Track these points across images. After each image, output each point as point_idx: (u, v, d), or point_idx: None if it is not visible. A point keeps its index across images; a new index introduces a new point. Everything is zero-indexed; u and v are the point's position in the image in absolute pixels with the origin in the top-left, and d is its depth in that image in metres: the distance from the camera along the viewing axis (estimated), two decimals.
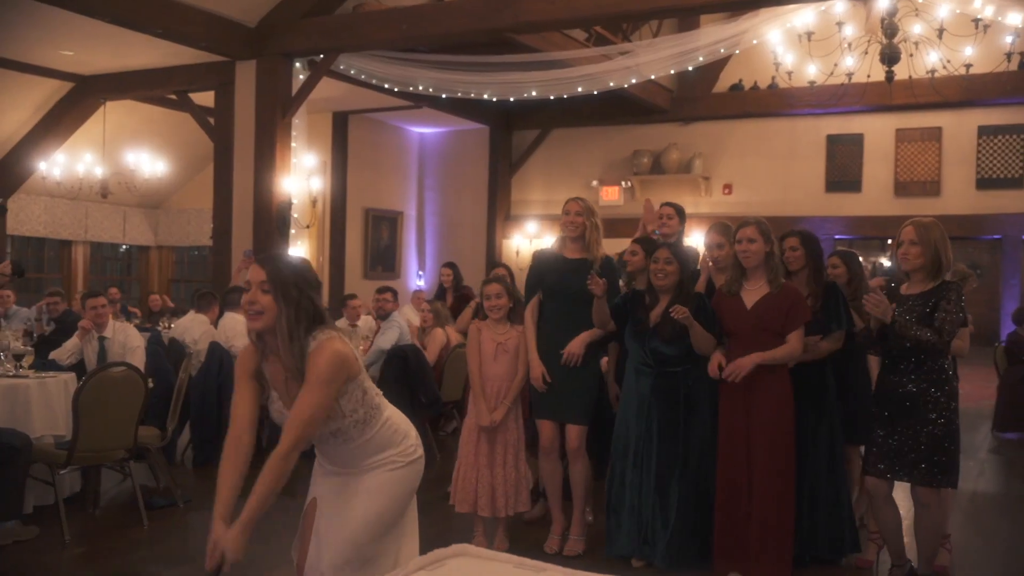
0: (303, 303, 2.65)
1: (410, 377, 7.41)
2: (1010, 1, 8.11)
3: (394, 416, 2.94)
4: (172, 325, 9.16)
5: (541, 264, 5.34)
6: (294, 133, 9.16)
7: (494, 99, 10.29)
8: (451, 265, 9.81)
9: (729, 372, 4.49)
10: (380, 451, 2.87)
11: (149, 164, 11.78)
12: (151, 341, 7.06)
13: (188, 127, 11.08)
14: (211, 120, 9.89)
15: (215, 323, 7.75)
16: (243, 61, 9.18)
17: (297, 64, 9.19)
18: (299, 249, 9.47)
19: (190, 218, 14.14)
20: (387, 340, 7.69)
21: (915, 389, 4.21)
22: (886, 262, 16.49)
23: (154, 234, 14.43)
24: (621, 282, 5.51)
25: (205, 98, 10.13)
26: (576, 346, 5.04)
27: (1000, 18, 8.35)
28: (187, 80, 9.97)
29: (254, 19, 9.00)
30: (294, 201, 9.35)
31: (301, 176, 9.53)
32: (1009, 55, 8.59)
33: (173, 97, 10.70)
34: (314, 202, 10.92)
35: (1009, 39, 8.45)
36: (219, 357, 7.14)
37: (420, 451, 2.99)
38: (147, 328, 9.65)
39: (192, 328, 7.70)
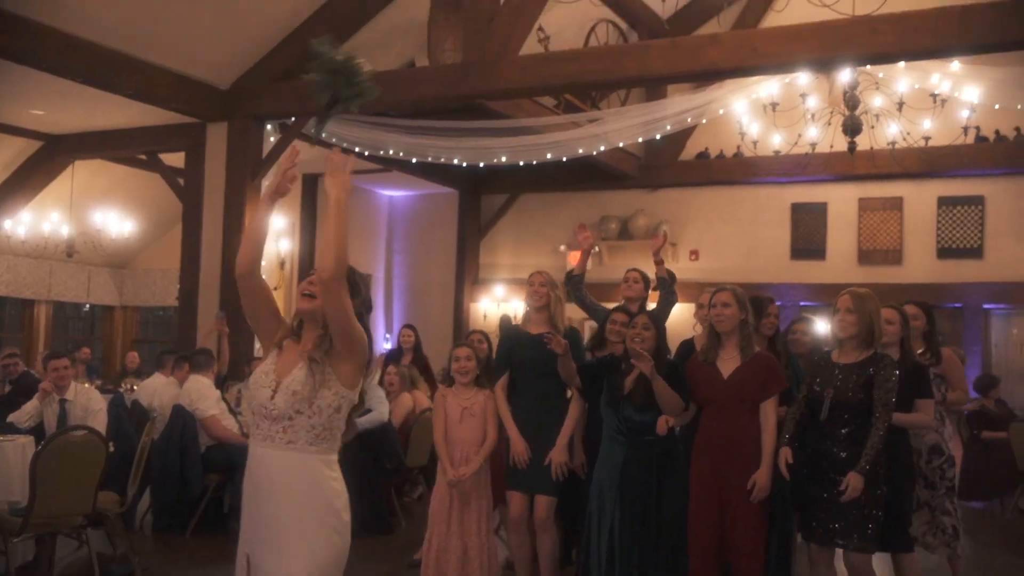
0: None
1: (374, 442, 7.31)
2: (966, 77, 8.35)
3: (340, 478, 2.98)
4: (136, 387, 9.03)
5: (509, 340, 5.39)
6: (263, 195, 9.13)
7: (463, 164, 10.34)
8: (412, 328, 9.77)
9: (756, 496, 4.44)
10: (317, 486, 2.87)
11: (116, 223, 11.72)
12: (113, 404, 6.96)
13: (157, 187, 11.06)
14: (181, 180, 9.87)
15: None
16: (214, 123, 9.22)
17: (268, 126, 9.23)
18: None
19: (156, 278, 14.03)
20: (384, 412, 7.50)
21: (845, 455, 4.29)
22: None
23: (119, 294, 14.28)
24: (588, 354, 5.52)
25: (175, 158, 10.12)
26: (559, 455, 5.07)
27: (956, 94, 8.59)
28: (157, 141, 9.98)
29: (226, 81, 9.05)
30: (262, 263, 9.30)
31: (269, 238, 9.48)
32: (966, 129, 8.84)
33: (143, 157, 10.69)
34: (282, 264, 10.89)
35: (965, 114, 8.70)
36: (182, 420, 7.02)
37: (348, 534, 2.98)
38: (109, 390, 9.50)
39: (160, 391, 7.58)
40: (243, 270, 3.09)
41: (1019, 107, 8.69)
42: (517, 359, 5.27)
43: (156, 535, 7.03)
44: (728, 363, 4.66)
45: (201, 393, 7.12)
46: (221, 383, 8.05)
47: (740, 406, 4.58)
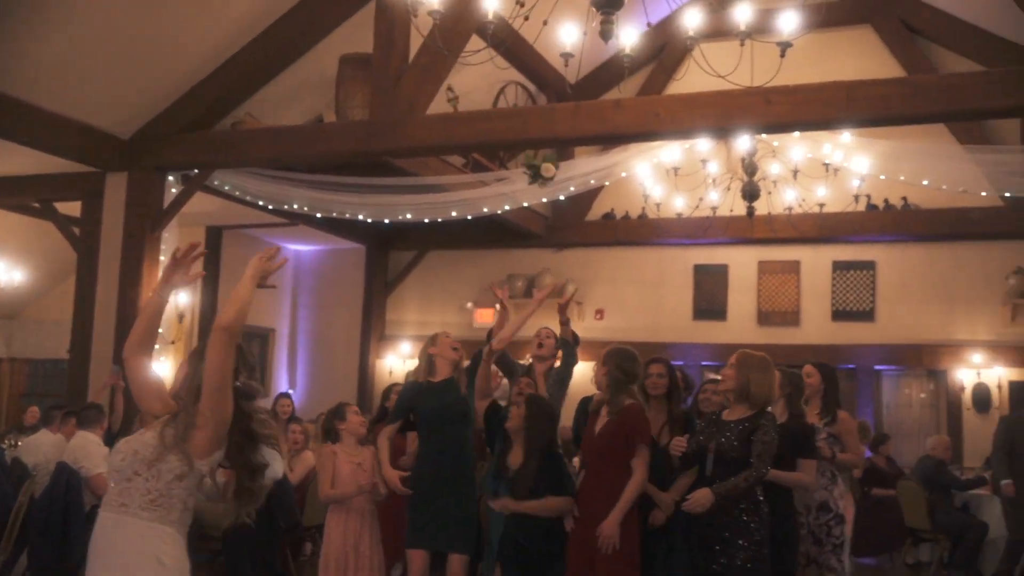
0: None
1: (270, 500, 7.13)
2: (855, 148, 8.71)
3: (178, 556, 2.85)
4: (20, 443, 8.64)
5: (410, 392, 5.42)
6: (163, 247, 8.93)
7: (369, 220, 10.32)
8: (288, 396, 9.64)
9: (601, 544, 4.47)
10: (143, 556, 2.76)
11: (5, 273, 11.31)
12: None
13: (50, 236, 10.72)
14: (76, 230, 9.60)
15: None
16: (114, 172, 9.00)
17: (171, 177, 9.06)
18: (163, 365, 9.14)
19: (48, 330, 13.52)
20: (279, 468, 7.36)
21: (727, 518, 4.40)
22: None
23: (7, 346, 13.73)
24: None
25: (71, 207, 9.85)
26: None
27: (847, 163, 8.95)
28: (53, 189, 9.69)
29: (127, 131, 8.88)
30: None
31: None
32: (857, 197, 9.19)
33: (36, 205, 10.37)
34: (181, 317, 10.64)
35: (856, 183, 9.05)
36: (66, 478, 6.73)
37: None
38: None
39: (45, 447, 7.27)
40: (130, 352, 3.03)
41: (901, 178, 9.09)
42: (422, 409, 5.28)
43: None
44: (602, 419, 4.80)
45: (87, 451, 6.85)
46: (111, 439, 7.77)
47: (607, 463, 4.65)
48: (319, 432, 8.38)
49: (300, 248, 14.23)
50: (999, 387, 11.02)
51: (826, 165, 8.84)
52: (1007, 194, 9.64)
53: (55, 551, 6.62)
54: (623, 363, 5.02)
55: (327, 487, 5.11)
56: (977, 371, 10.96)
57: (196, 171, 8.98)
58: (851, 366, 11.49)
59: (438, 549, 5.14)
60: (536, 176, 7.29)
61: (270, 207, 9.98)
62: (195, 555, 7.21)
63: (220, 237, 12.43)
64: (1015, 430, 7.76)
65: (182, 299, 10.47)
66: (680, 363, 10.27)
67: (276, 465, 7.25)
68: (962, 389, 11.13)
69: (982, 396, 11.02)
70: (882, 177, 9.38)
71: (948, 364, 11.17)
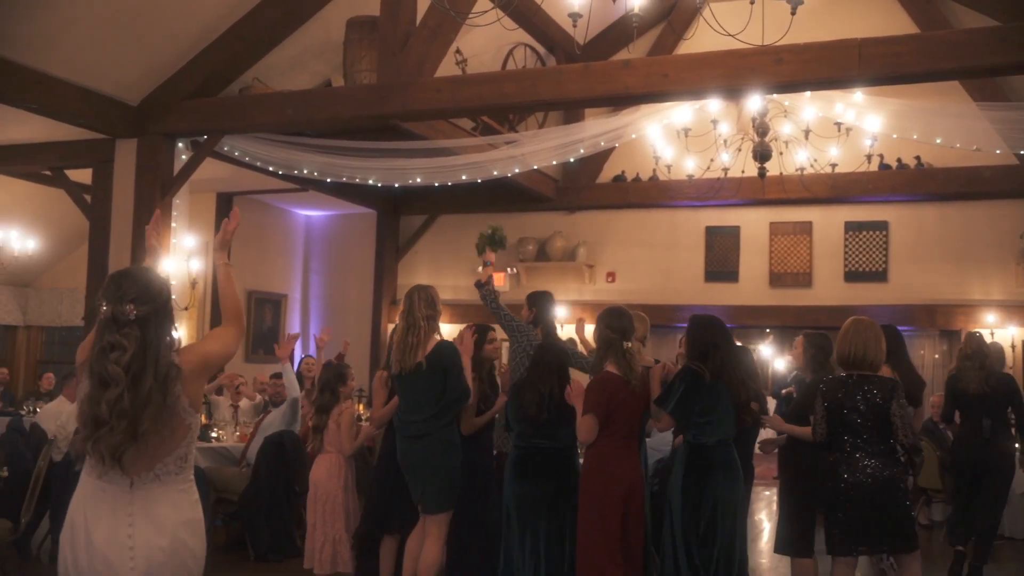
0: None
1: (286, 466, 7.25)
2: (868, 108, 8.64)
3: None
4: (39, 409, 8.76)
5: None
6: (174, 213, 8.98)
7: (379, 184, 10.32)
8: (312, 357, 9.67)
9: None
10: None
11: (19, 241, 11.39)
12: (10, 427, 6.75)
13: (63, 204, 10.77)
14: (87, 198, 9.64)
15: None
16: (124, 139, 9.02)
17: (180, 144, 9.08)
18: (177, 332, 9.21)
19: (62, 297, 13.65)
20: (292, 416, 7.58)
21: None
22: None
23: (23, 313, 13.86)
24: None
25: (82, 175, 9.89)
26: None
27: (859, 123, 8.88)
28: (63, 156, 9.72)
29: (136, 98, 8.88)
30: (172, 282, 9.13)
31: (181, 257, 9.35)
32: (869, 157, 9.13)
33: (48, 173, 10.42)
34: (193, 283, 10.71)
35: (868, 142, 8.99)
36: None
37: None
38: (8, 412, 9.20)
39: (63, 414, 7.37)
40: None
41: (915, 137, 9.01)
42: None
43: (55, 564, 6.80)
44: None
45: None
46: None
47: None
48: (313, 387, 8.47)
49: (311, 214, 14.27)
50: (1012, 347, 11.01)
51: (838, 125, 8.78)
52: (1022, 152, 9.57)
53: None
54: (612, 322, 5.32)
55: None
56: (991, 331, 10.94)
57: (205, 137, 9.00)
58: None
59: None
60: (492, 242, 7.38)
61: (280, 172, 9.98)
62: (212, 518, 7.39)
63: (231, 203, 12.45)
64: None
65: (194, 266, 10.53)
66: None
67: (277, 421, 7.46)
68: None
69: None
70: (894, 136, 9.31)
71: (962, 324, 11.14)
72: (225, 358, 3.34)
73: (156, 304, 3.06)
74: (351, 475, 6.80)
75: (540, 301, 7.01)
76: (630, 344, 5.34)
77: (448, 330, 12.41)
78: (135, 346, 2.95)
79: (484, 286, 6.88)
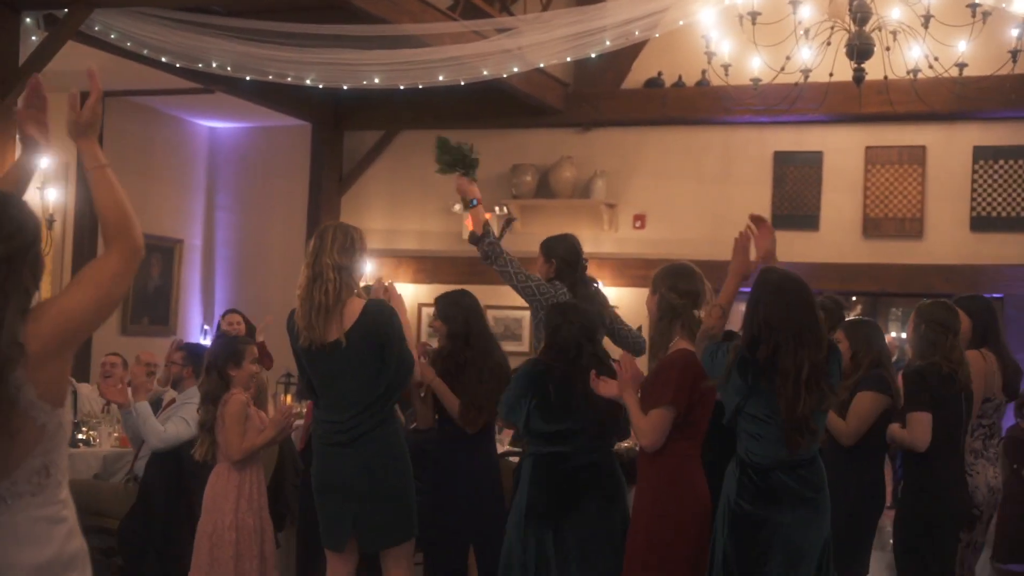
0: None
1: (184, 483, 7.21)
2: None
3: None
4: None
5: None
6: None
7: (319, 86, 10.25)
8: (239, 313, 9.90)
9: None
10: None
11: None
12: None
13: None
14: None
15: None
16: None
17: (28, 20, 8.95)
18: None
19: None
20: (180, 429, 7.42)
21: None
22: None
23: None
24: None
25: None
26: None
27: (1003, 4, 8.73)
28: None
29: None
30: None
31: (31, 183, 9.18)
32: (1014, 54, 8.97)
33: None
34: (51, 221, 10.59)
35: (1015, 32, 8.83)
36: None
37: None
38: None
39: None
40: None
41: None
42: None
43: None
44: None
45: None
46: None
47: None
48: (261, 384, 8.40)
49: (218, 125, 14.19)
50: None
51: (972, 7, 8.62)
52: None
53: None
54: (679, 283, 5.43)
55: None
56: None
57: (66, 10, 8.83)
58: (997, 295, 11.42)
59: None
60: (457, 162, 7.34)
61: (177, 65, 9.92)
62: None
63: (103, 107, 12.23)
64: None
65: (50, 196, 10.37)
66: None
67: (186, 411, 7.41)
68: None
69: None
70: None
71: None
72: (99, 313, 3.04)
73: (11, 246, 2.86)
74: (256, 494, 6.56)
75: (560, 247, 6.92)
76: (701, 313, 5.41)
77: (410, 294, 12.33)
78: None
79: (483, 239, 6.71)
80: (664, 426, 5.17)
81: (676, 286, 5.40)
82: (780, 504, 4.94)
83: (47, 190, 10.44)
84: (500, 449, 7.42)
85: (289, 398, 10.20)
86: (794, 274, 5.42)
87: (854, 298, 15.68)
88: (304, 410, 8.20)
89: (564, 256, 6.87)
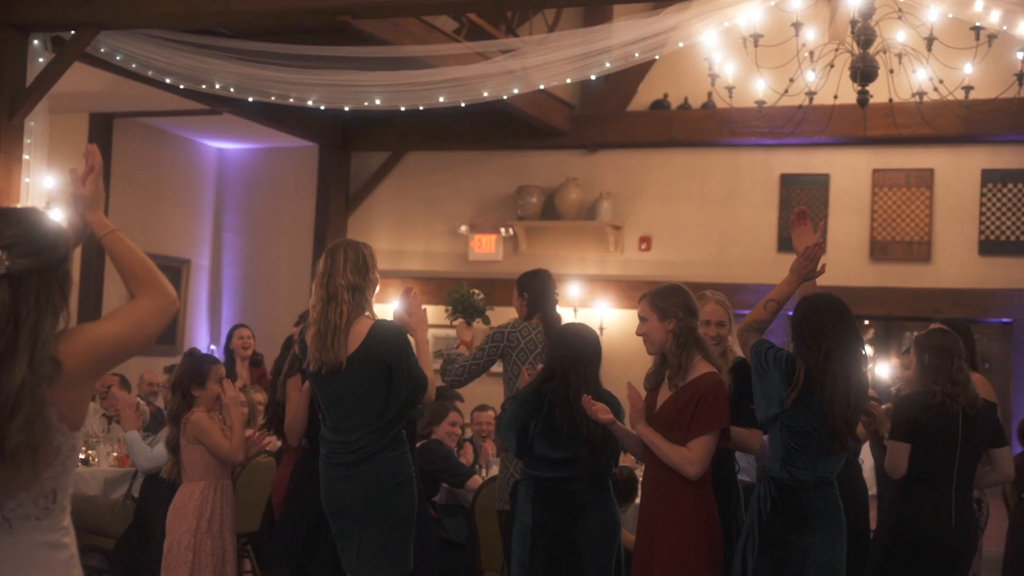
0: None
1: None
2: (1020, 5, 8.46)
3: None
4: None
5: None
6: (28, 141, 8.93)
7: (322, 107, 10.26)
8: (247, 328, 9.99)
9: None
10: None
11: None
12: None
13: None
14: None
15: None
16: None
17: (36, 42, 8.97)
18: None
19: None
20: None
21: None
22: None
23: None
24: None
25: None
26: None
27: (1006, 28, 8.70)
28: None
29: None
30: None
31: (37, 201, 9.24)
32: (1020, 77, 8.94)
33: None
34: None
35: (1020, 55, 8.81)
36: None
37: None
38: None
39: None
40: None
41: None
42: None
43: None
44: (665, 391, 5.11)
45: None
46: None
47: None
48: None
49: (226, 146, 14.22)
50: None
51: (976, 30, 8.60)
52: None
53: None
54: (690, 304, 5.25)
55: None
56: None
57: (73, 32, 8.88)
58: (1006, 320, 11.37)
59: None
60: (466, 308, 7.36)
61: (182, 87, 9.92)
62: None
63: (110, 128, 12.43)
64: None
65: (55, 217, 10.37)
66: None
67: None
68: None
69: None
70: None
71: None
72: (131, 344, 3.00)
73: (43, 259, 2.82)
74: (219, 515, 6.44)
75: (534, 283, 6.93)
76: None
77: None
78: (2, 314, 2.72)
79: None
80: (712, 453, 5.09)
81: (690, 308, 5.26)
82: (810, 526, 4.96)
83: (54, 210, 10.42)
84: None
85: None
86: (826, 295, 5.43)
87: (866, 322, 15.66)
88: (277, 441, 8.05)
89: (535, 291, 6.89)
